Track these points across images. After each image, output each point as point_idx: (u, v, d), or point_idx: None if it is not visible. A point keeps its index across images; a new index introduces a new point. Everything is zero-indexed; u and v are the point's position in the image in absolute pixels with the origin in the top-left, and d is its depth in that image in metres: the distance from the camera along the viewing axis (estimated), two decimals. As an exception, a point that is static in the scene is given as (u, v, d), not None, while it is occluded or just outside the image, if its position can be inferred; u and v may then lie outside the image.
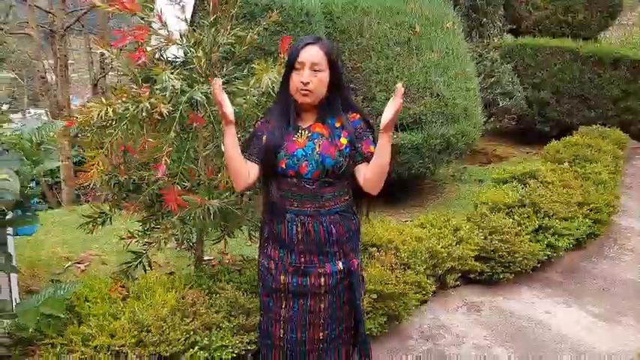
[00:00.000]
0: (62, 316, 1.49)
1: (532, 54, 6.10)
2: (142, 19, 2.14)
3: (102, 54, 5.93)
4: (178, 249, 2.08)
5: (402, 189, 4.31)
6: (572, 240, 3.16)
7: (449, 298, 2.75)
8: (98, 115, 1.53)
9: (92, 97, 5.59)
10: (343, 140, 1.46)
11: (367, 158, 1.45)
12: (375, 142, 1.45)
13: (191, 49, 1.88)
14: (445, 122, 3.74)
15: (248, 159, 1.51)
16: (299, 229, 1.47)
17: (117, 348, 1.54)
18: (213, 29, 1.91)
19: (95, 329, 1.56)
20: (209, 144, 2.01)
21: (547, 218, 3.08)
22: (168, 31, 1.88)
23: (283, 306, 1.53)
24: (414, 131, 3.62)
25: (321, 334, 1.53)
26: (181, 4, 2.78)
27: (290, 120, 1.48)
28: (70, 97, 5.28)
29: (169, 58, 2.18)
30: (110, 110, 1.55)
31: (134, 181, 1.98)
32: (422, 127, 3.64)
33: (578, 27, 6.54)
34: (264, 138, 1.49)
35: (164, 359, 1.59)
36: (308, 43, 1.43)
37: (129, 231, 2.00)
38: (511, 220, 3.02)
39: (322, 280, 1.49)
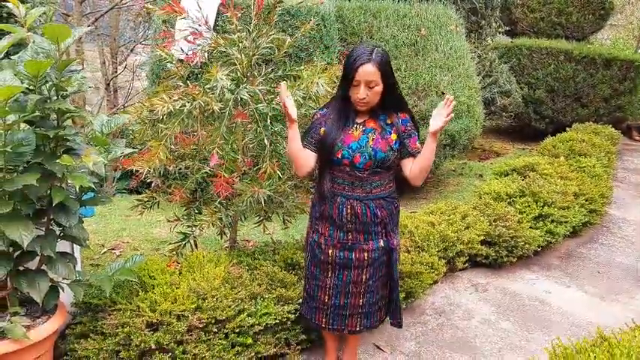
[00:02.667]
0: (135, 281, 1.71)
1: (528, 54, 6.38)
2: (165, 23, 2.35)
3: (114, 54, 6.08)
4: (220, 231, 2.29)
5: (407, 182, 4.55)
6: (569, 227, 3.42)
7: (457, 280, 3.00)
8: (162, 110, 1.75)
9: (105, 96, 5.77)
10: (393, 136, 1.67)
11: (413, 153, 1.70)
12: (419, 139, 1.68)
13: (234, 51, 2.10)
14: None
15: (307, 147, 1.73)
16: (349, 211, 1.69)
17: (179, 312, 1.75)
18: (254, 34, 2.12)
19: (159, 296, 1.78)
20: (246, 137, 2.23)
21: (546, 207, 3.33)
22: (215, 33, 2.10)
23: (329, 275, 1.76)
24: (420, 127, 3.86)
25: (361, 300, 1.76)
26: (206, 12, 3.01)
27: (348, 117, 1.70)
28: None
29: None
30: (171, 106, 1.76)
31: (180, 169, 2.19)
32: (428, 123, 3.88)
33: (572, 29, 6.83)
34: (322, 130, 1.70)
35: (219, 322, 1.81)
36: (363, 63, 1.59)
37: (175, 214, 2.21)
38: (513, 208, 3.27)
39: (365, 255, 1.72)
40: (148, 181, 2.12)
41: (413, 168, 1.66)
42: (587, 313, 2.72)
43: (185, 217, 2.23)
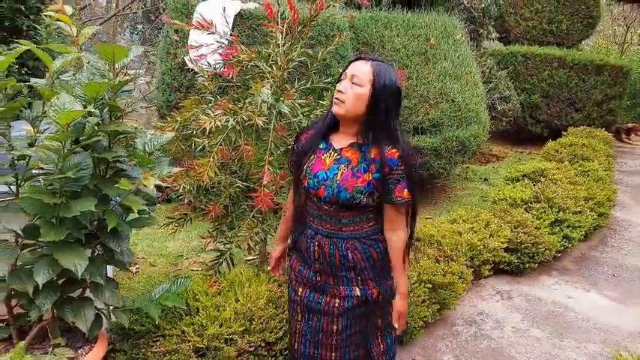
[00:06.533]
0: (184, 307, 1.64)
1: (523, 61, 6.52)
2: (177, 33, 2.30)
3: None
4: (248, 247, 2.24)
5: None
6: (583, 232, 3.48)
7: (482, 288, 3.00)
8: (209, 125, 1.70)
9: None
10: (368, 176, 1.32)
11: (396, 203, 1.34)
12: (410, 185, 1.33)
13: (266, 66, 2.06)
14: (460, 125, 4.02)
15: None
16: (316, 248, 1.41)
17: (226, 336, 1.69)
18: (285, 47, 2.09)
19: (206, 320, 1.72)
20: (279, 150, 2.19)
21: (561, 212, 3.38)
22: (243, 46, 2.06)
23: (299, 319, 1.48)
24: (432, 134, 3.88)
25: (333, 354, 1.44)
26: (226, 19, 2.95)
27: (327, 137, 1.41)
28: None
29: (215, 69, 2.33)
30: (218, 122, 1.72)
31: (213, 184, 2.13)
32: (440, 130, 3.91)
33: (562, 36, 7.03)
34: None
35: (268, 345, 1.75)
36: (359, 58, 1.37)
37: (208, 231, 2.15)
38: (530, 214, 3.30)
39: (337, 301, 1.40)
40: (177, 197, 2.05)
41: (389, 242, 1.40)
42: (610, 317, 2.75)
43: (218, 234, 2.17)
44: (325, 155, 1.39)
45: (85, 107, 1.23)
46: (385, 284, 1.45)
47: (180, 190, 1.99)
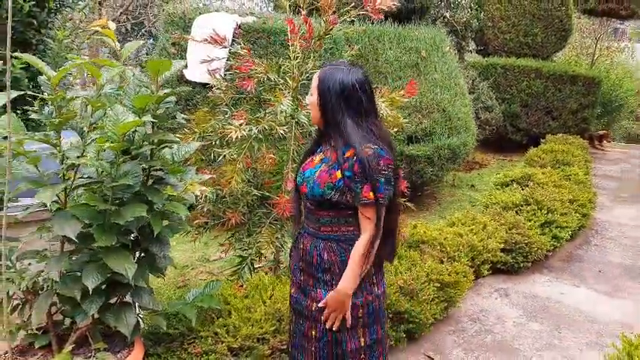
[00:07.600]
0: (219, 307, 1.70)
1: (502, 72, 6.86)
2: (174, 46, 2.40)
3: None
4: (258, 252, 2.31)
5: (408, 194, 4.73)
6: (570, 232, 3.70)
7: (481, 287, 3.16)
8: (235, 135, 1.79)
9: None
10: (339, 173, 1.34)
11: (362, 203, 1.33)
12: (374, 188, 1.31)
13: (280, 78, 2.17)
14: (450, 134, 4.22)
15: None
16: (301, 246, 1.46)
17: (258, 336, 1.76)
18: (298, 60, 2.21)
19: (239, 321, 1.78)
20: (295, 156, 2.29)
21: (550, 214, 3.59)
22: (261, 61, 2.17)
23: (292, 319, 1.50)
24: (426, 143, 4.06)
25: None
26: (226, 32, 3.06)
27: (320, 141, 1.50)
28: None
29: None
30: (244, 131, 1.81)
31: (231, 193, 2.21)
32: (432, 139, 4.10)
33: (537, 48, 7.44)
34: None
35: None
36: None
37: (227, 239, 2.22)
38: (522, 217, 3.50)
39: (314, 305, 1.39)
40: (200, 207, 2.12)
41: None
42: (600, 310, 2.95)
43: (236, 241, 2.24)
44: (316, 155, 1.46)
45: (135, 118, 1.31)
46: (362, 298, 1.39)
47: (202, 199, 2.05)
